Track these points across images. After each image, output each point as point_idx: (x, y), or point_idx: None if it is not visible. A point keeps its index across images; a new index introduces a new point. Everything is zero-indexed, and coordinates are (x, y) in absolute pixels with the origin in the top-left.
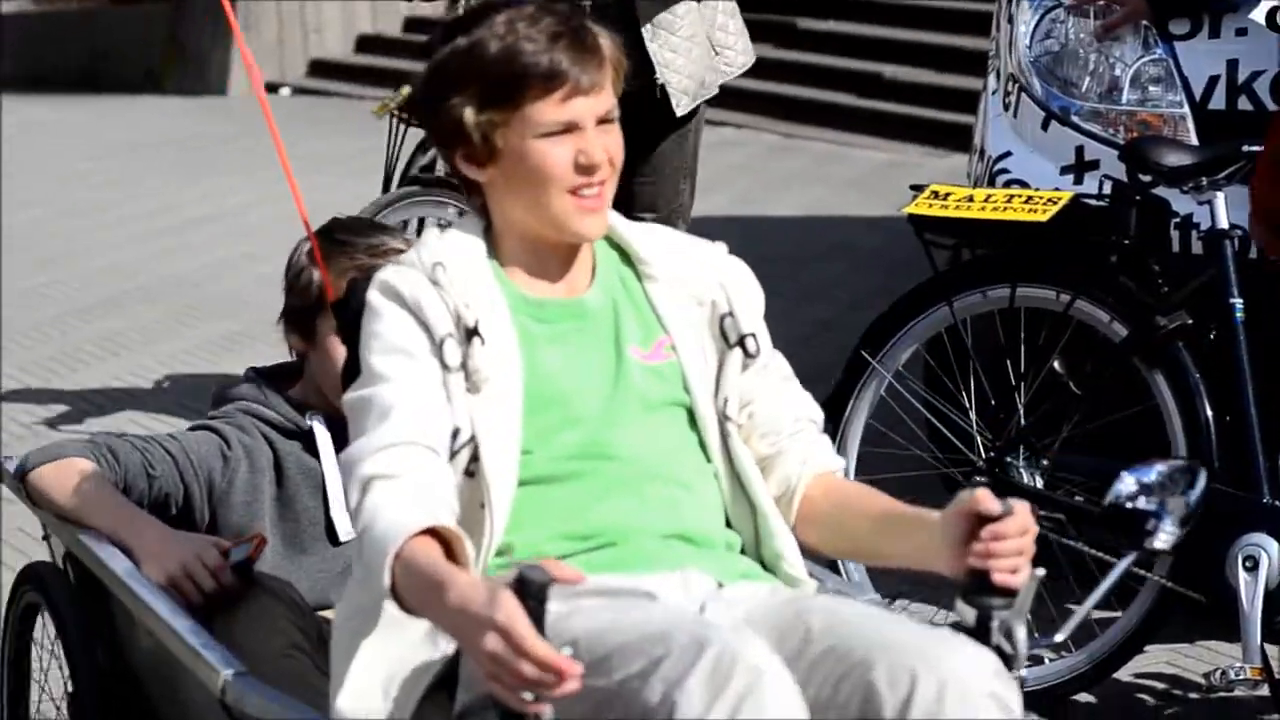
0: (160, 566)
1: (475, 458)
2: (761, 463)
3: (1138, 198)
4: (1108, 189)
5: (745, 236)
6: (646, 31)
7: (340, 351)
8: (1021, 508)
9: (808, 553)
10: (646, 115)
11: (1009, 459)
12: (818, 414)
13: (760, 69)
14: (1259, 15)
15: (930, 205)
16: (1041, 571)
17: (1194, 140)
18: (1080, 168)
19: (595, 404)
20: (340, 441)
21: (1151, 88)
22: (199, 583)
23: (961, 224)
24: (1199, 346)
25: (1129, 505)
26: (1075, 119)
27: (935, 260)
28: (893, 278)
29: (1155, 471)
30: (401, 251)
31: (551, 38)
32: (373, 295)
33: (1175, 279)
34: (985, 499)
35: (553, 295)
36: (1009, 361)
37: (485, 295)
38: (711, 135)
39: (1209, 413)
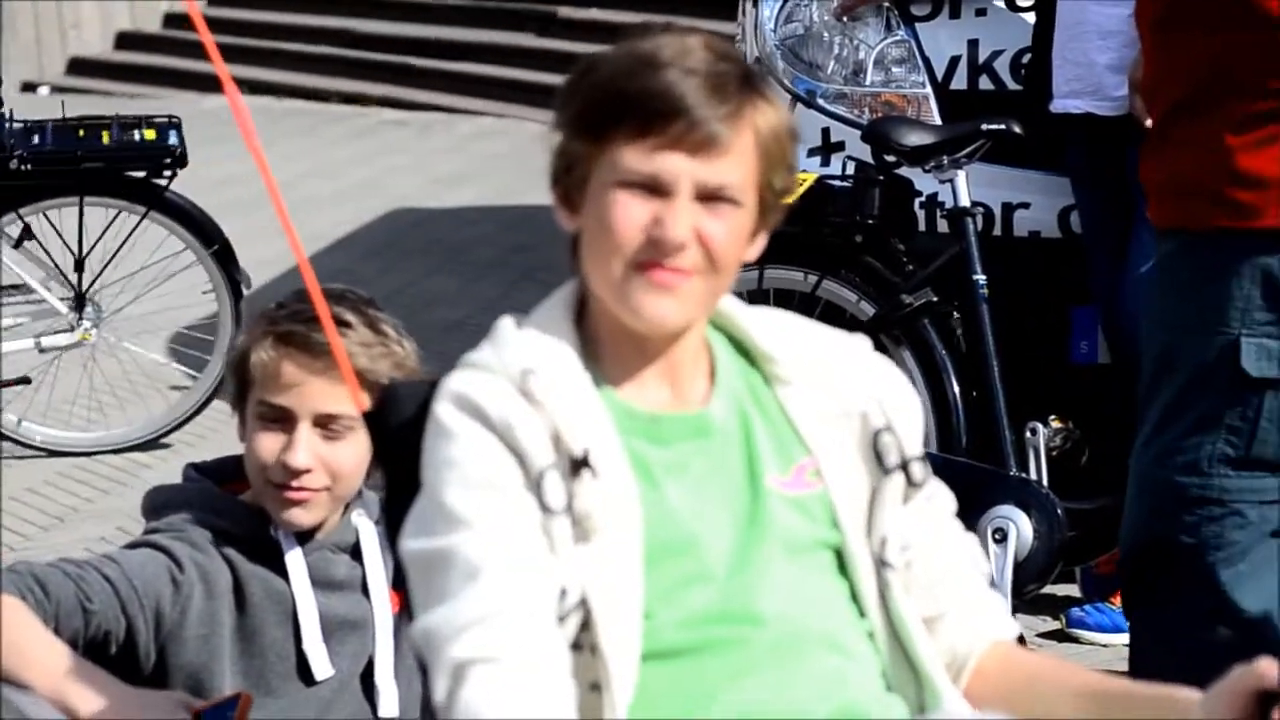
0: None
1: (586, 626)
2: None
3: (881, 178)
4: (852, 169)
5: (505, 227)
6: None
7: (256, 439)
8: None
9: None
10: None
11: None
12: (984, 562)
13: (521, 57)
14: None
15: None
16: None
17: (937, 120)
18: (826, 149)
19: (730, 551)
20: (309, 555)
21: (895, 69)
22: None
23: None
24: (944, 323)
25: None
26: (820, 101)
27: None
28: None
29: None
30: (353, 327)
31: (688, 72)
32: (444, 410)
33: (920, 257)
34: (1274, 672)
35: (667, 409)
36: None
37: (588, 411)
38: (470, 125)
39: (956, 388)
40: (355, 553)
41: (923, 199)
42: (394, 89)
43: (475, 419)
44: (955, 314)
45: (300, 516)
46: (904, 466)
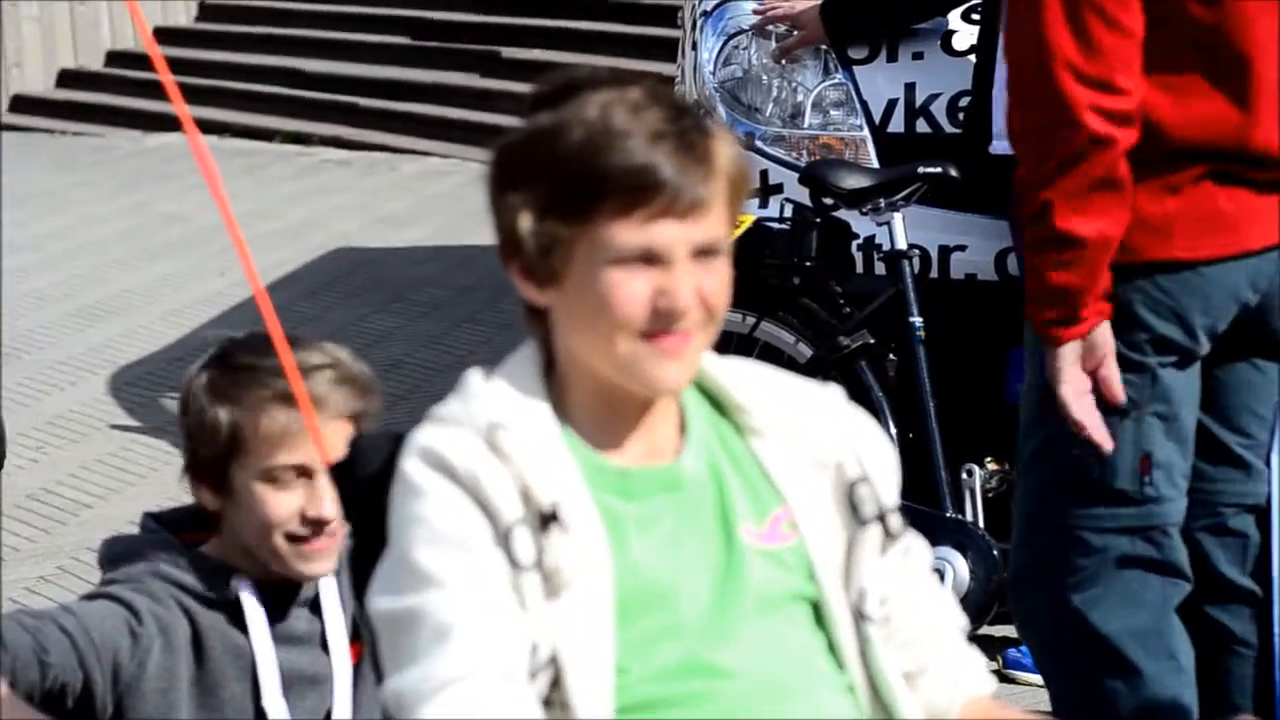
0: None
1: (556, 683)
2: None
3: (819, 220)
4: (790, 212)
5: (449, 267)
6: None
7: (271, 501)
8: None
9: None
10: None
11: None
12: (961, 617)
13: (464, 98)
14: (934, 40)
15: None
16: None
17: (874, 163)
18: (765, 191)
19: (704, 605)
20: (270, 609)
21: (833, 112)
22: None
23: None
24: (881, 365)
25: None
26: (759, 144)
27: None
28: None
29: None
30: (322, 367)
31: (653, 135)
32: (411, 466)
33: (857, 299)
34: None
35: (638, 462)
36: None
37: (557, 467)
38: (416, 165)
39: (893, 429)
40: (314, 606)
41: (860, 241)
42: (338, 128)
43: (443, 474)
44: (892, 355)
45: (325, 566)
46: (881, 518)
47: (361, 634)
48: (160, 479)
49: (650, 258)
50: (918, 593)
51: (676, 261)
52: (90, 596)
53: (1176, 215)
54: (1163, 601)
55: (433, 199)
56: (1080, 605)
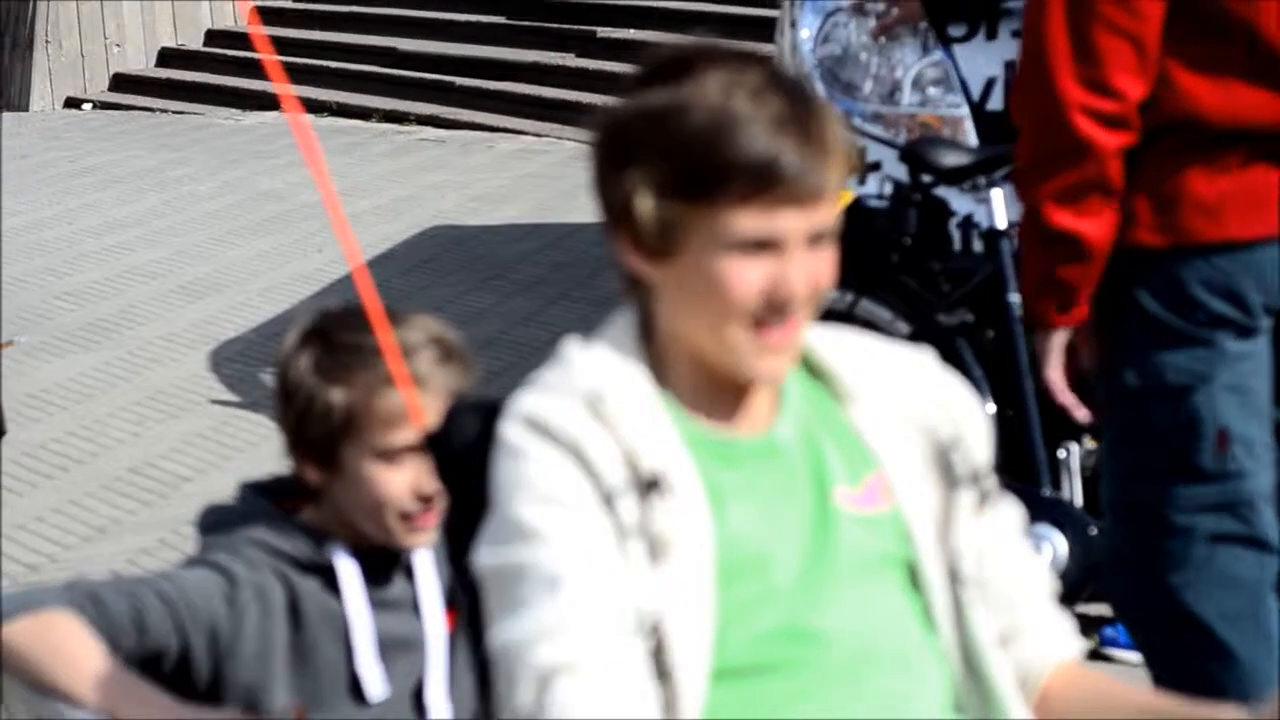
0: None
1: (659, 647)
2: None
3: (918, 198)
4: (889, 189)
5: (543, 245)
6: None
7: (386, 480)
8: None
9: None
10: None
11: None
12: (1051, 579)
13: (560, 76)
14: None
15: None
16: None
17: (973, 141)
18: (863, 169)
19: (798, 570)
20: (366, 575)
21: (931, 90)
22: None
23: None
24: (980, 343)
25: None
26: (858, 121)
27: None
28: None
29: None
30: (424, 345)
31: (776, 123)
32: (512, 431)
33: (956, 277)
34: None
35: (736, 432)
36: None
37: (659, 434)
38: (511, 144)
39: (991, 408)
40: (408, 572)
41: (958, 219)
42: (435, 107)
43: (545, 439)
44: (990, 333)
45: (430, 538)
46: (975, 479)
47: (456, 600)
48: (259, 453)
49: (767, 244)
50: (1009, 555)
51: (794, 249)
52: (188, 563)
53: (1228, 196)
54: (1258, 579)
55: (527, 177)
56: (1173, 588)
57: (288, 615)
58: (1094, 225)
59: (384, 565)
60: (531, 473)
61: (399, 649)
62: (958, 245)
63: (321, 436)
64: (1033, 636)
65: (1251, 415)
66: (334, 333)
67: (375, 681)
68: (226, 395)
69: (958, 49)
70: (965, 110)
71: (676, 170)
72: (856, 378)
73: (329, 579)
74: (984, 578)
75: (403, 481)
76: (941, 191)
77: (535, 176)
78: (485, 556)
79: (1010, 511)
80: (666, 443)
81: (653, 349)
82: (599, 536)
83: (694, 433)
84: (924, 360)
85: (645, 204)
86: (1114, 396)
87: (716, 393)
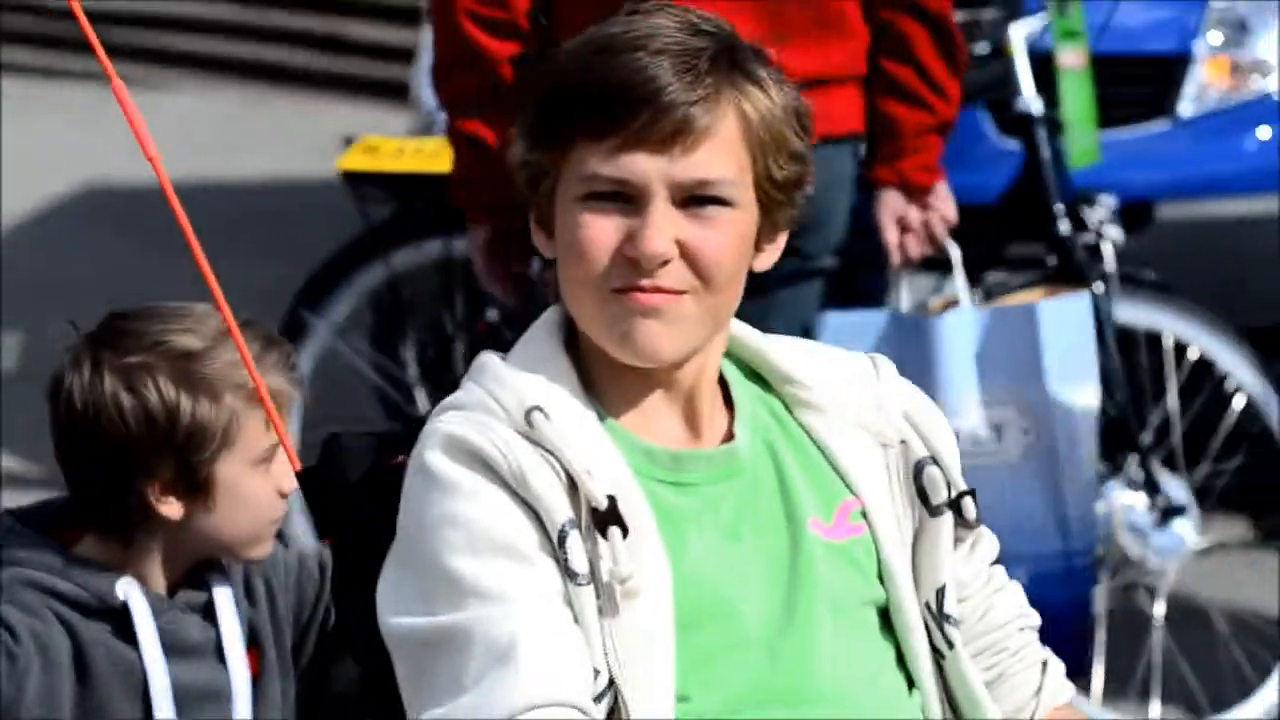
0: None
1: (613, 711)
2: None
3: None
4: None
5: (212, 200)
6: None
7: (265, 487)
8: None
9: None
10: None
11: None
12: (1035, 616)
13: (220, 31)
14: None
15: (362, 159)
16: None
17: None
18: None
19: (770, 613)
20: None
21: None
22: None
23: (393, 177)
24: None
25: None
26: None
27: (369, 214)
28: None
29: None
30: (186, 337)
31: (654, 54)
32: (437, 460)
33: None
34: None
35: (684, 444)
36: (446, 314)
37: (600, 455)
38: (171, 101)
39: None
40: (207, 613)
41: None
42: None
43: (480, 469)
44: None
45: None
46: (955, 504)
47: (259, 641)
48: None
49: (625, 195)
50: (991, 591)
51: (653, 201)
52: None
53: None
54: None
55: (193, 134)
56: None
57: (73, 668)
58: (491, 129)
59: (175, 605)
60: (463, 510)
61: (202, 700)
62: None
63: (193, 459)
64: (1019, 681)
65: None
66: (166, 341)
67: None
68: None
69: None
70: None
71: (541, 111)
72: (818, 386)
73: (119, 623)
74: (963, 614)
75: (274, 485)
76: None
77: (200, 132)
78: (400, 620)
79: (986, 539)
80: (609, 465)
81: (578, 356)
82: (552, 595)
83: (638, 449)
84: (884, 368)
85: (518, 155)
86: None
87: (652, 399)
